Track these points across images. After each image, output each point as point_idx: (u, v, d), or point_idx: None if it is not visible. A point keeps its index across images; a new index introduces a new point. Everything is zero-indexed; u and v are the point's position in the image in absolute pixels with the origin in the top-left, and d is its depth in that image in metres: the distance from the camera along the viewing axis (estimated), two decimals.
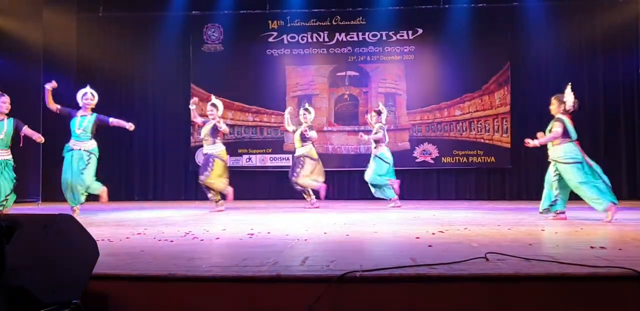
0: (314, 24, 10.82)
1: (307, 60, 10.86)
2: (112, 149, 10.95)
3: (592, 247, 3.50)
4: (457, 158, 10.49)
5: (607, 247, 3.51)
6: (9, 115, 6.53)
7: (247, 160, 10.72)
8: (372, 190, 8.45)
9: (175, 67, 10.91)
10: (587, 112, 10.34)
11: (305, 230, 4.75)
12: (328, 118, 10.79)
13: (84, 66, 10.69)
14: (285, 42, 10.83)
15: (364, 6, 10.74)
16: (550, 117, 6.22)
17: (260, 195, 10.72)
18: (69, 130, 7.00)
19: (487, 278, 2.56)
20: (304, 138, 8.22)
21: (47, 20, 9.99)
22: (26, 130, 6.58)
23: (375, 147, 8.38)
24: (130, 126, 7.16)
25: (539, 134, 6.27)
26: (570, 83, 6.19)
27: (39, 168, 9.52)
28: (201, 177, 7.51)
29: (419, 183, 10.72)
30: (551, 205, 6.09)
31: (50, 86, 6.81)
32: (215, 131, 7.57)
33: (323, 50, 10.80)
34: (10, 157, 6.51)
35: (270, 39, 10.84)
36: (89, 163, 6.93)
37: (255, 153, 10.72)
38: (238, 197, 10.47)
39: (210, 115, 7.65)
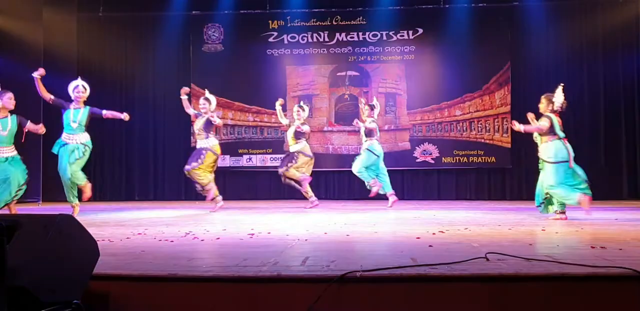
0: (314, 23, 10.82)
1: (308, 60, 10.86)
2: (112, 149, 10.98)
3: (592, 247, 3.50)
4: (457, 158, 10.49)
5: (607, 247, 3.51)
6: (11, 112, 6.54)
7: (248, 160, 10.72)
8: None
9: (176, 67, 10.92)
10: (587, 111, 10.37)
11: (306, 230, 4.76)
12: (328, 119, 10.79)
13: (85, 66, 10.69)
14: (286, 42, 10.83)
15: (364, 6, 10.74)
16: None
17: (261, 195, 10.73)
18: (61, 123, 6.93)
19: (487, 278, 2.56)
20: (297, 136, 8.21)
21: (48, 20, 10.00)
22: (29, 125, 6.59)
23: (365, 141, 8.39)
24: (125, 116, 7.07)
25: (529, 115, 6.41)
26: (562, 84, 6.28)
27: (40, 168, 9.52)
28: (187, 167, 7.41)
29: (419, 183, 10.72)
30: (544, 202, 6.16)
31: (38, 74, 6.65)
32: (208, 125, 7.51)
33: (323, 50, 10.80)
34: (15, 152, 6.53)
35: (271, 39, 10.84)
36: (84, 155, 6.86)
37: (256, 154, 10.72)
38: (238, 197, 10.54)
39: (203, 109, 7.59)
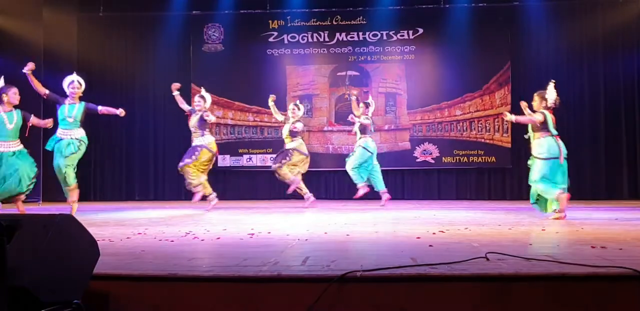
0: (315, 23, 10.82)
1: (308, 60, 10.86)
2: (112, 149, 10.99)
3: (592, 247, 3.50)
4: (457, 158, 10.49)
5: (608, 247, 3.50)
6: (15, 107, 6.53)
7: (248, 160, 10.72)
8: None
9: (176, 66, 10.91)
10: (587, 111, 10.37)
11: (306, 230, 4.76)
12: (329, 118, 10.79)
13: (85, 66, 10.67)
14: (286, 41, 10.83)
15: (365, 6, 10.74)
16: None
17: (261, 195, 10.72)
18: (56, 119, 6.88)
19: (487, 278, 2.56)
20: (293, 134, 8.22)
21: (48, 20, 10.00)
22: (33, 119, 6.58)
23: (360, 138, 8.39)
24: (120, 112, 7.02)
25: (523, 103, 6.48)
26: (553, 81, 6.31)
27: (40, 168, 9.50)
28: (180, 164, 7.37)
29: (419, 183, 10.72)
30: (539, 198, 6.20)
31: (28, 69, 6.53)
32: (202, 123, 7.49)
33: (323, 50, 10.80)
34: (22, 146, 6.52)
35: (271, 39, 10.84)
36: (79, 149, 6.81)
37: (256, 153, 10.72)
38: (238, 196, 10.55)
39: (197, 106, 7.58)
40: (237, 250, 3.58)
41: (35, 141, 8.75)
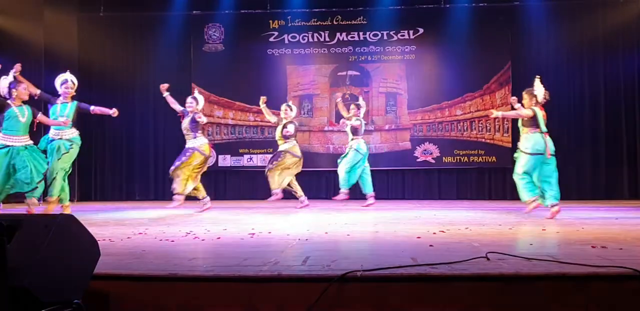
0: (315, 23, 10.82)
1: (308, 59, 10.86)
2: (113, 149, 10.99)
3: (593, 247, 3.50)
4: (458, 157, 10.49)
5: (608, 247, 3.51)
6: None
7: (249, 160, 10.72)
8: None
9: (176, 66, 10.90)
10: (588, 111, 10.37)
11: (307, 230, 4.76)
12: (329, 118, 10.79)
13: (85, 66, 10.69)
14: (286, 41, 10.83)
15: (365, 6, 10.73)
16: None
17: (261, 195, 10.68)
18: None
19: (488, 278, 2.56)
20: (285, 136, 8.12)
21: (48, 20, 10.00)
22: (41, 117, 6.55)
23: (352, 139, 8.40)
24: (114, 112, 6.97)
25: (512, 100, 6.55)
26: (538, 76, 6.41)
27: None
28: (172, 168, 7.28)
29: (420, 182, 10.72)
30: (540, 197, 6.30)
31: (15, 71, 6.37)
32: (194, 124, 7.38)
33: (324, 50, 10.80)
34: (31, 142, 6.45)
35: (271, 39, 10.84)
36: (71, 148, 6.74)
37: (257, 153, 10.72)
38: (239, 196, 10.55)
39: (189, 107, 7.48)
40: (238, 250, 3.58)
41: (36, 142, 8.76)
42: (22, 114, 6.31)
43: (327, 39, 10.77)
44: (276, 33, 10.83)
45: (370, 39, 10.72)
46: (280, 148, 8.18)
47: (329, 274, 2.58)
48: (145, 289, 2.61)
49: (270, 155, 9.41)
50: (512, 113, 6.70)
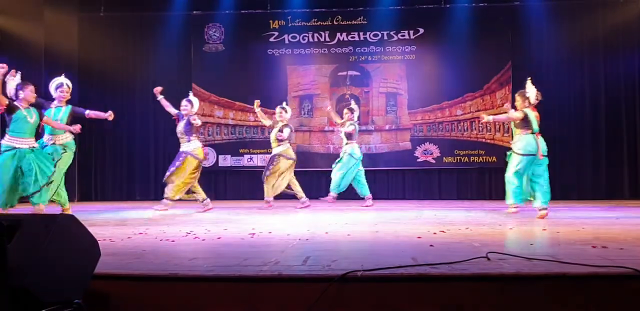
0: (315, 23, 10.82)
1: (308, 60, 10.86)
2: (113, 149, 10.99)
3: (593, 247, 3.50)
4: (458, 158, 10.48)
5: (609, 247, 3.51)
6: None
7: (249, 160, 10.72)
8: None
9: (176, 66, 10.90)
10: (588, 111, 10.36)
11: (307, 230, 4.76)
12: (329, 118, 10.77)
13: (86, 66, 10.70)
14: (287, 41, 10.83)
15: (365, 6, 10.73)
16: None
17: (262, 195, 10.68)
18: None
19: (488, 278, 2.56)
20: (279, 139, 8.04)
21: (49, 20, 10.00)
22: (47, 120, 6.48)
23: (346, 144, 8.41)
24: (109, 114, 6.93)
25: (506, 106, 6.63)
26: (529, 78, 6.44)
27: None
28: (167, 173, 7.25)
29: (420, 183, 10.72)
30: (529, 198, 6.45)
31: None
32: (189, 128, 7.35)
33: (324, 50, 10.80)
34: (37, 144, 6.35)
35: (272, 39, 10.83)
36: (64, 151, 6.69)
37: (257, 153, 10.71)
38: (239, 196, 10.55)
39: (184, 110, 7.44)
40: (238, 250, 3.58)
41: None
42: (30, 116, 6.23)
43: (328, 39, 10.77)
44: (276, 33, 10.83)
45: (370, 39, 10.72)
46: (274, 151, 8.13)
47: (329, 274, 2.58)
48: (146, 289, 2.61)
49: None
50: (502, 117, 6.80)
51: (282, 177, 8.03)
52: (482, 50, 10.41)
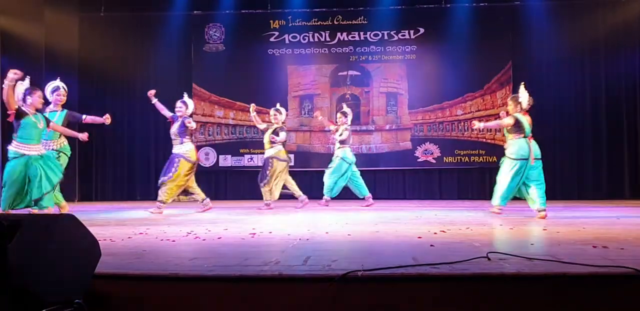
0: (316, 23, 10.82)
1: (309, 59, 10.86)
2: (114, 149, 10.99)
3: (594, 246, 3.50)
4: (458, 157, 10.48)
5: (609, 247, 3.50)
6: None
7: (249, 159, 10.72)
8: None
9: (177, 66, 10.91)
10: (589, 111, 10.36)
11: (307, 230, 4.76)
12: (329, 118, 10.76)
13: (86, 65, 10.70)
14: (287, 41, 10.83)
15: (366, 6, 10.73)
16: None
17: (262, 195, 10.71)
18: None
19: (489, 278, 2.56)
20: (272, 141, 7.96)
21: (49, 20, 10.00)
22: (53, 125, 6.37)
23: (339, 148, 8.42)
24: (106, 118, 6.88)
25: (502, 114, 6.69)
26: (523, 83, 6.55)
27: None
28: (163, 178, 7.15)
29: (420, 182, 10.72)
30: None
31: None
32: (183, 129, 7.28)
33: (325, 50, 10.80)
34: (45, 150, 6.25)
35: (272, 39, 10.84)
36: (58, 158, 6.58)
37: (257, 153, 10.71)
38: (240, 196, 10.55)
39: (179, 112, 7.40)
40: (239, 250, 3.58)
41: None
42: (38, 122, 6.08)
43: (328, 39, 10.77)
44: (277, 33, 10.83)
45: (370, 38, 10.72)
46: (266, 154, 8.06)
47: (329, 274, 2.58)
48: (146, 289, 2.61)
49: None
50: (493, 124, 6.99)
51: (277, 180, 8.00)
52: (483, 50, 10.41)
